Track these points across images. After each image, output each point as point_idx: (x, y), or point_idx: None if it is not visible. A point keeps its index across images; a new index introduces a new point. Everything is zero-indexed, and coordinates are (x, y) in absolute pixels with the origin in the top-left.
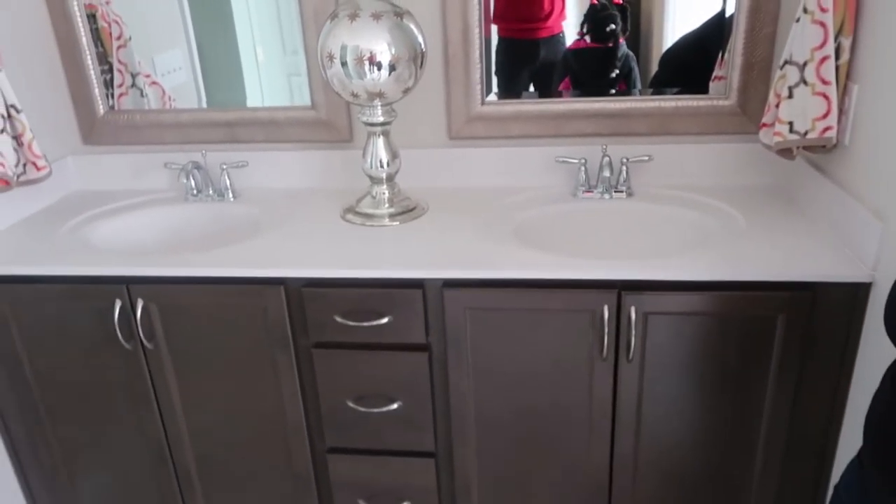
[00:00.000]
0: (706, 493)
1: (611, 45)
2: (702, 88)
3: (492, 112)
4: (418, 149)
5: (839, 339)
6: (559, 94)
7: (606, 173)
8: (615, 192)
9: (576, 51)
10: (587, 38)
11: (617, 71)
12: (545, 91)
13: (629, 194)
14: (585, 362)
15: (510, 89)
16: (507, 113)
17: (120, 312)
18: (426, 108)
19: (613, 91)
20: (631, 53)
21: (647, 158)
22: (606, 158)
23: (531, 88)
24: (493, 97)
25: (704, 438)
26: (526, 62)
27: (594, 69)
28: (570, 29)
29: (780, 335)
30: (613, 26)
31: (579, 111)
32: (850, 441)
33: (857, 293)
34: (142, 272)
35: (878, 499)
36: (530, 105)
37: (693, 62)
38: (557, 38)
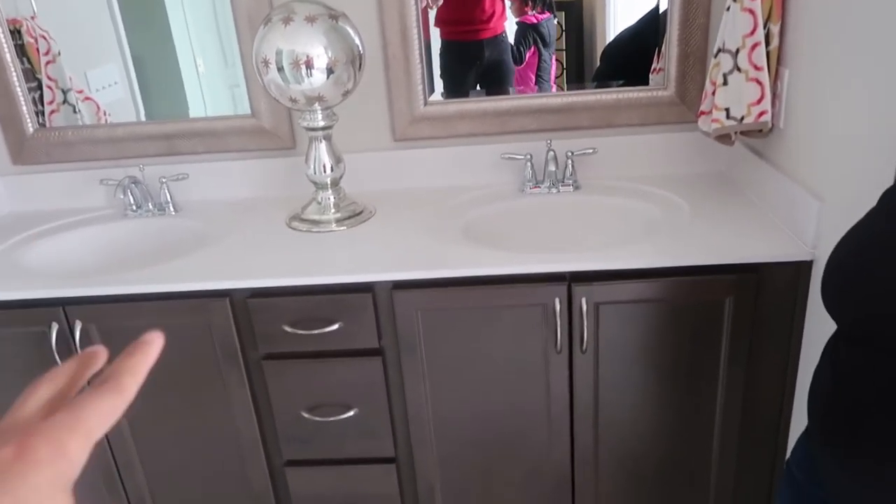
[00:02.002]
0: (667, 479)
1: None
2: (643, 81)
3: (436, 112)
4: (363, 152)
5: (785, 319)
6: (505, 91)
7: (552, 167)
8: (562, 185)
9: (534, 24)
10: (535, 14)
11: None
12: (494, 90)
13: (576, 187)
14: (541, 357)
15: (457, 91)
16: (451, 112)
17: (58, 336)
18: (369, 111)
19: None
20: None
21: (591, 151)
22: (551, 153)
23: (478, 88)
24: (437, 97)
25: (662, 425)
26: (471, 63)
27: (547, 35)
28: (511, 30)
29: (729, 318)
30: None
31: (523, 107)
32: (801, 418)
33: (799, 272)
34: (78, 293)
35: (827, 472)
36: (474, 103)
37: (633, 55)
38: (500, 37)
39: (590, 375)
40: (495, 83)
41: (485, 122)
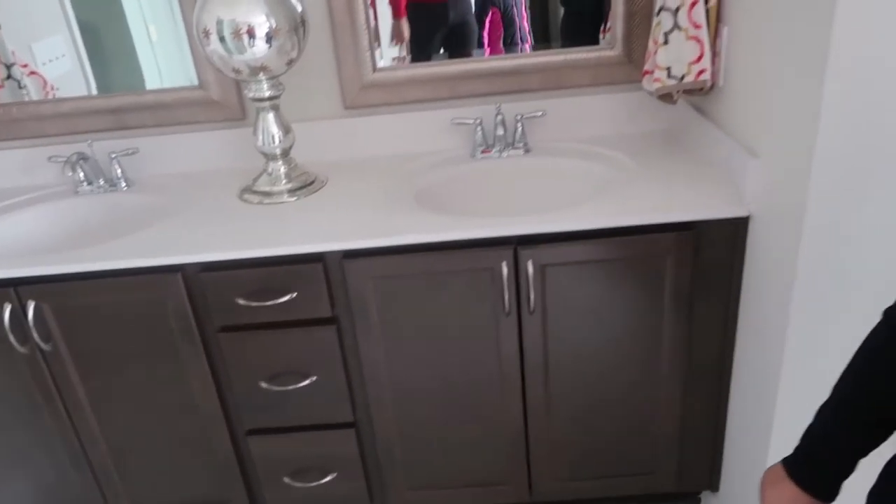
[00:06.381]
0: (616, 427)
1: None
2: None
3: (385, 78)
4: (315, 121)
5: (724, 272)
6: (468, 54)
7: (500, 131)
8: (512, 149)
9: None
10: None
11: None
12: (458, 52)
13: (526, 150)
14: (491, 319)
15: (423, 54)
16: (401, 78)
17: (11, 316)
18: (319, 80)
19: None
20: None
21: (540, 114)
22: (500, 117)
23: (442, 52)
24: (387, 63)
25: (610, 377)
26: (437, 25)
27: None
28: None
29: (671, 274)
30: None
31: (472, 71)
32: (742, 363)
33: (736, 228)
34: (29, 272)
35: None
36: (423, 68)
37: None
38: None
39: (539, 335)
40: (460, 45)
41: (435, 88)
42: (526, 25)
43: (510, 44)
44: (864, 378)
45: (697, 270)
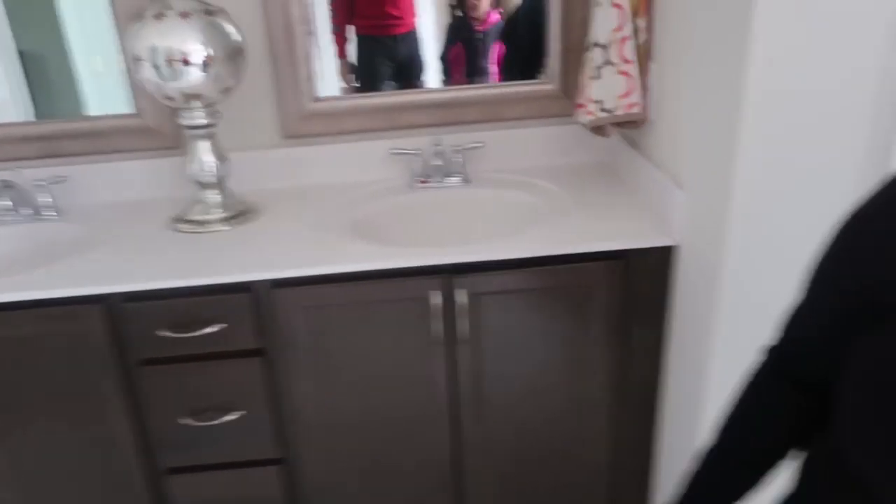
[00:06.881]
0: (549, 456)
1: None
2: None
3: (325, 108)
4: (254, 150)
5: (655, 300)
6: (419, 86)
7: (438, 162)
8: (451, 179)
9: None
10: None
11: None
12: (406, 85)
13: (465, 181)
14: (423, 349)
15: (372, 85)
16: (341, 108)
17: None
18: (258, 109)
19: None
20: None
21: (479, 145)
22: (437, 147)
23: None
24: (335, 91)
25: (544, 406)
26: (386, 58)
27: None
28: (423, 26)
29: (602, 302)
30: None
31: (411, 103)
32: (672, 390)
33: (665, 257)
34: None
35: None
36: (364, 99)
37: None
38: (413, 34)
39: (471, 364)
40: (408, 79)
41: (375, 118)
42: (493, 63)
43: (473, 77)
44: (742, 422)
45: (628, 298)
